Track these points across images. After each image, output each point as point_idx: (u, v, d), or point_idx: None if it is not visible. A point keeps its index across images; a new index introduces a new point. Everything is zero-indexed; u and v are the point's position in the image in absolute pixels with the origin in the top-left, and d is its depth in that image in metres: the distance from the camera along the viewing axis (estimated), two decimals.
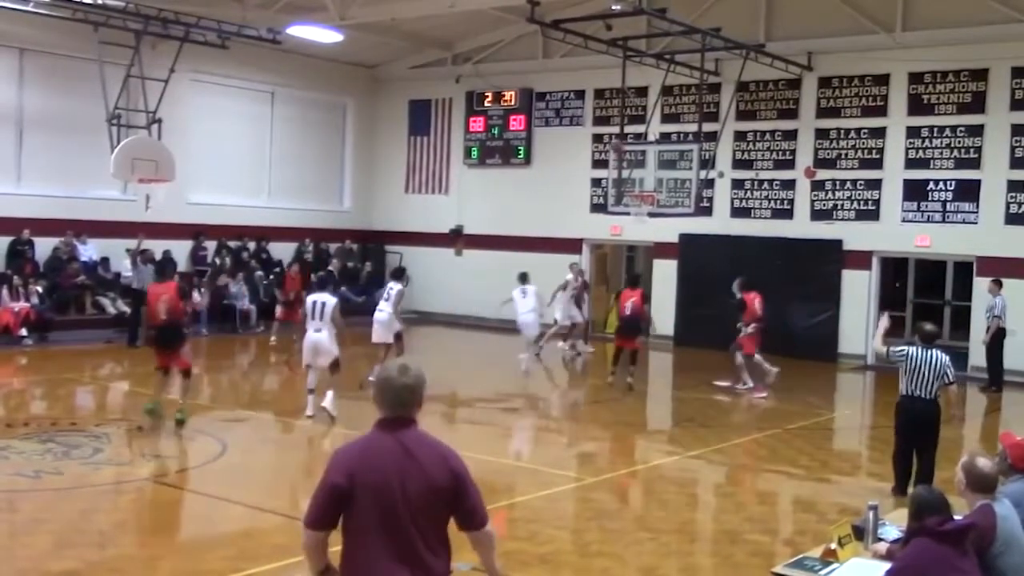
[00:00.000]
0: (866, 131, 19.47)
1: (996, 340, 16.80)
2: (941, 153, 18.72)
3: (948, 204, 18.66)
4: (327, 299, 12.16)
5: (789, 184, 20.36)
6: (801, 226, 20.11)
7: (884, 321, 9.73)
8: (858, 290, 19.60)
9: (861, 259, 19.60)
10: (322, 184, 25.52)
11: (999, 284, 16.86)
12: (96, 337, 18.80)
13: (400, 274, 15.87)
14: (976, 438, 13.99)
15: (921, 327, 9.67)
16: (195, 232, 22.07)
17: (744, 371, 15.72)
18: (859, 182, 19.57)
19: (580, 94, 23.01)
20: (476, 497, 3.98)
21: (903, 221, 19.12)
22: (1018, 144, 17.92)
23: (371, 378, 14.95)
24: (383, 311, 15.30)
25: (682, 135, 20.81)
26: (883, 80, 19.27)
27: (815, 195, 20.08)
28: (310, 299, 12.34)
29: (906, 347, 9.38)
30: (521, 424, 13.18)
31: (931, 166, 18.81)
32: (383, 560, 3.79)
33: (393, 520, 3.80)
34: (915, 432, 9.33)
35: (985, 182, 18.28)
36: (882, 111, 19.31)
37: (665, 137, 20.87)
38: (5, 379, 15.82)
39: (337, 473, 3.86)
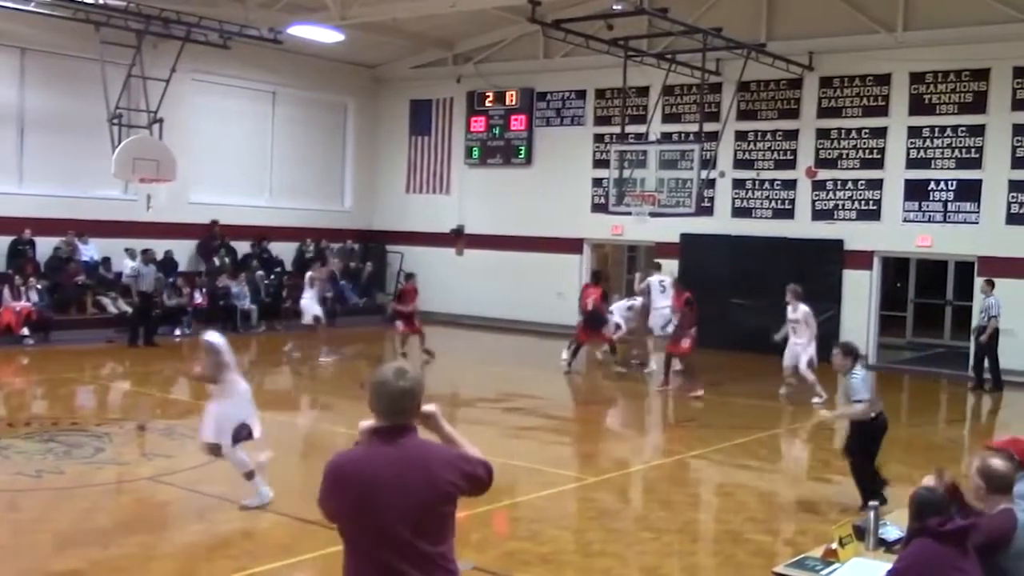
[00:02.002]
0: (867, 131, 19.46)
1: (993, 340, 16.82)
2: (942, 153, 18.72)
3: (949, 204, 18.65)
4: None
5: (790, 184, 20.35)
6: (802, 226, 20.10)
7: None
8: (859, 290, 19.58)
9: (862, 259, 19.59)
10: (323, 184, 25.53)
11: (991, 284, 16.92)
12: (97, 337, 18.82)
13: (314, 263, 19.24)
14: (975, 439, 13.99)
15: (856, 349, 9.60)
16: (209, 230, 22.17)
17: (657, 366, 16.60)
18: (860, 182, 19.56)
19: (581, 94, 23.00)
20: (476, 476, 3.80)
21: (904, 221, 19.11)
22: (1019, 144, 17.90)
23: (294, 354, 17.73)
24: (305, 298, 17.96)
25: (683, 135, 20.80)
26: (884, 80, 19.26)
27: (816, 195, 20.07)
28: None
29: (860, 372, 9.32)
30: (522, 423, 13.17)
31: (932, 166, 18.80)
32: None
33: (391, 538, 3.58)
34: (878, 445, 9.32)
35: (986, 182, 18.27)
36: (883, 111, 19.30)
37: (666, 137, 20.86)
38: (7, 378, 15.83)
39: (335, 490, 3.66)
